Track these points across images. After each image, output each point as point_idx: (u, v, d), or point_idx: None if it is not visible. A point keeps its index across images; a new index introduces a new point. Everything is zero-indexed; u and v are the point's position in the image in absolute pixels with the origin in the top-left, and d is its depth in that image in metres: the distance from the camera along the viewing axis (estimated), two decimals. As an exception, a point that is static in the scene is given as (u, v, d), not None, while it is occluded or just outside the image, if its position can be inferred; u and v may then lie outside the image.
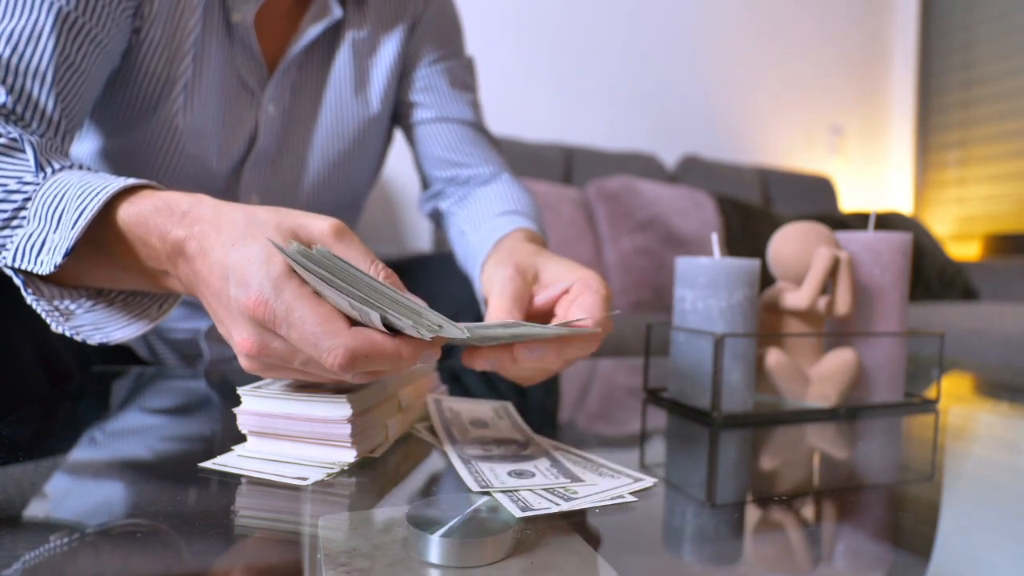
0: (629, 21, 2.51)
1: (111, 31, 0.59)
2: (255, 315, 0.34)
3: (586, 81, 2.45)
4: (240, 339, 0.36)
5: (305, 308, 0.33)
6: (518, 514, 0.31)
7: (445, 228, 0.86)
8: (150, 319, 0.48)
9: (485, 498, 0.33)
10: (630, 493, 0.36)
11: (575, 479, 0.37)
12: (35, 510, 0.34)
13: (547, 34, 2.38)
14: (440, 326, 0.34)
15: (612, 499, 0.35)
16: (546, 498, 0.34)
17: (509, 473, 0.37)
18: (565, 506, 0.33)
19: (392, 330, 0.35)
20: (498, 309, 0.46)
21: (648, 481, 0.38)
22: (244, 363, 0.38)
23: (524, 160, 2.10)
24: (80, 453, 0.44)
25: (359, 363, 0.33)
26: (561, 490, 0.35)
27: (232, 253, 0.36)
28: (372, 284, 0.34)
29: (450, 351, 0.83)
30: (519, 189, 0.80)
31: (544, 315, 0.49)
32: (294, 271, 0.34)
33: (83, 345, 0.70)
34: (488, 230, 0.71)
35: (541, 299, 0.48)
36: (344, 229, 0.38)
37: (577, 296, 0.46)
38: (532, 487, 0.36)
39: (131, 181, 0.44)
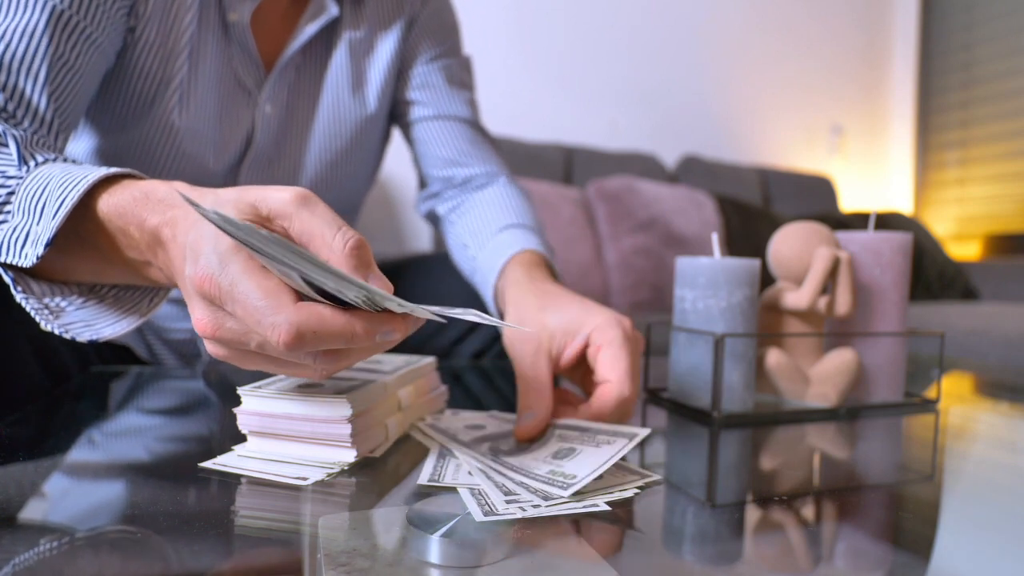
0: (629, 21, 2.51)
1: (106, 29, 0.59)
2: (202, 290, 0.32)
3: (586, 81, 2.45)
4: (195, 319, 0.34)
5: (248, 281, 0.31)
6: (479, 518, 0.30)
7: (443, 234, 0.86)
8: (140, 314, 0.48)
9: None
10: (606, 502, 0.34)
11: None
12: (35, 510, 0.34)
13: (547, 34, 2.38)
14: (364, 289, 0.31)
15: (584, 507, 0.33)
16: (517, 501, 0.33)
17: (554, 455, 0.38)
18: (531, 512, 0.32)
19: (343, 306, 0.32)
20: (537, 394, 0.47)
21: (636, 487, 0.38)
22: (209, 348, 0.36)
23: (524, 160, 2.10)
24: (80, 453, 0.44)
25: (307, 340, 0.31)
26: (543, 491, 0.35)
27: (191, 232, 0.35)
28: (300, 252, 0.31)
29: (448, 351, 0.83)
30: (516, 194, 0.80)
31: (578, 367, 0.51)
32: (243, 246, 0.32)
33: (82, 345, 0.70)
34: (492, 250, 0.71)
35: (567, 358, 0.49)
36: (309, 196, 0.35)
37: (597, 352, 0.48)
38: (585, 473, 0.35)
39: (112, 170, 0.43)
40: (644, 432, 0.38)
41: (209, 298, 0.33)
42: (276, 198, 0.35)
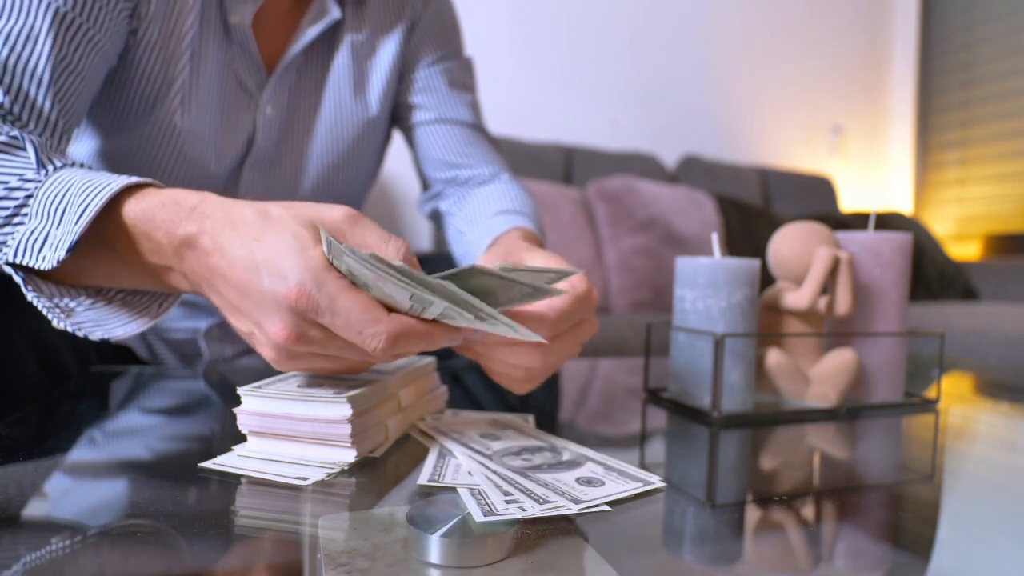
0: (630, 21, 2.51)
1: (108, 32, 0.59)
2: (296, 305, 0.35)
3: (586, 81, 2.45)
4: (276, 329, 0.37)
5: (348, 298, 0.35)
6: (480, 518, 0.30)
7: (444, 228, 0.86)
8: (150, 317, 0.48)
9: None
10: (606, 502, 0.34)
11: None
12: (35, 510, 0.34)
13: (548, 34, 2.38)
14: (492, 318, 0.37)
15: (585, 508, 0.33)
16: (515, 501, 0.33)
17: (578, 480, 0.37)
18: (531, 512, 0.32)
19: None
20: None
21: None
22: (270, 354, 0.39)
23: (524, 160, 2.10)
24: (80, 453, 0.44)
25: (399, 346, 0.36)
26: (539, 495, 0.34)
27: (259, 248, 0.37)
28: (427, 281, 0.36)
29: (448, 351, 0.83)
30: (517, 188, 0.80)
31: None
32: (332, 264, 0.36)
33: (82, 345, 0.70)
34: (484, 229, 0.71)
35: None
36: (357, 215, 0.40)
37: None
38: (612, 495, 0.35)
39: (135, 179, 0.44)
40: (658, 483, 0.38)
41: (300, 311, 0.36)
42: (330, 218, 0.39)
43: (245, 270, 0.37)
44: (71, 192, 0.44)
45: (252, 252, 0.37)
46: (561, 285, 0.45)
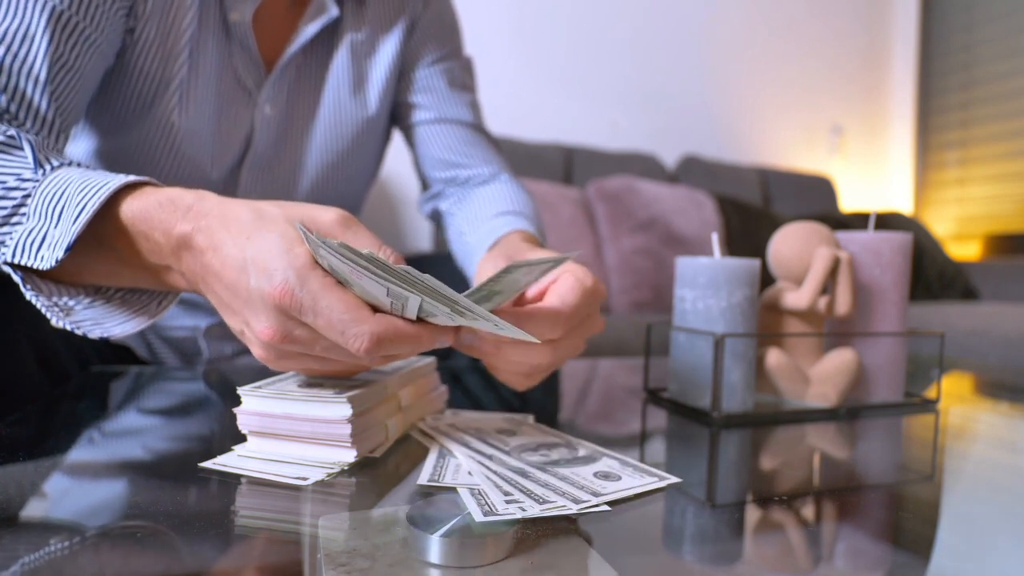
0: (631, 22, 2.51)
1: (105, 30, 0.59)
2: (280, 304, 0.35)
3: (586, 81, 2.45)
4: (261, 328, 0.36)
5: (331, 296, 0.35)
6: (479, 518, 0.30)
7: (444, 229, 0.86)
8: (149, 315, 0.49)
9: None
10: (606, 502, 0.34)
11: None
12: (35, 510, 0.34)
13: (548, 34, 2.38)
14: (471, 312, 0.35)
15: (585, 507, 0.33)
16: (515, 501, 0.33)
17: (595, 474, 0.38)
18: (531, 512, 0.32)
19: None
20: None
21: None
22: (260, 352, 0.39)
23: (524, 160, 2.10)
24: (80, 453, 0.44)
25: (384, 347, 0.35)
26: (538, 494, 0.35)
27: (249, 246, 0.37)
28: (409, 273, 0.35)
29: (448, 351, 0.83)
30: (517, 189, 0.80)
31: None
32: (317, 262, 0.36)
33: (82, 345, 0.70)
34: (486, 231, 0.71)
35: (532, 291, 0.48)
36: (350, 218, 0.40)
37: (558, 282, 0.46)
38: (624, 490, 0.36)
39: (132, 178, 0.44)
40: (673, 479, 0.38)
41: (284, 310, 0.35)
42: (324, 220, 0.39)
43: (235, 269, 0.37)
44: (69, 191, 0.44)
45: (242, 251, 0.37)
46: (567, 280, 0.45)
